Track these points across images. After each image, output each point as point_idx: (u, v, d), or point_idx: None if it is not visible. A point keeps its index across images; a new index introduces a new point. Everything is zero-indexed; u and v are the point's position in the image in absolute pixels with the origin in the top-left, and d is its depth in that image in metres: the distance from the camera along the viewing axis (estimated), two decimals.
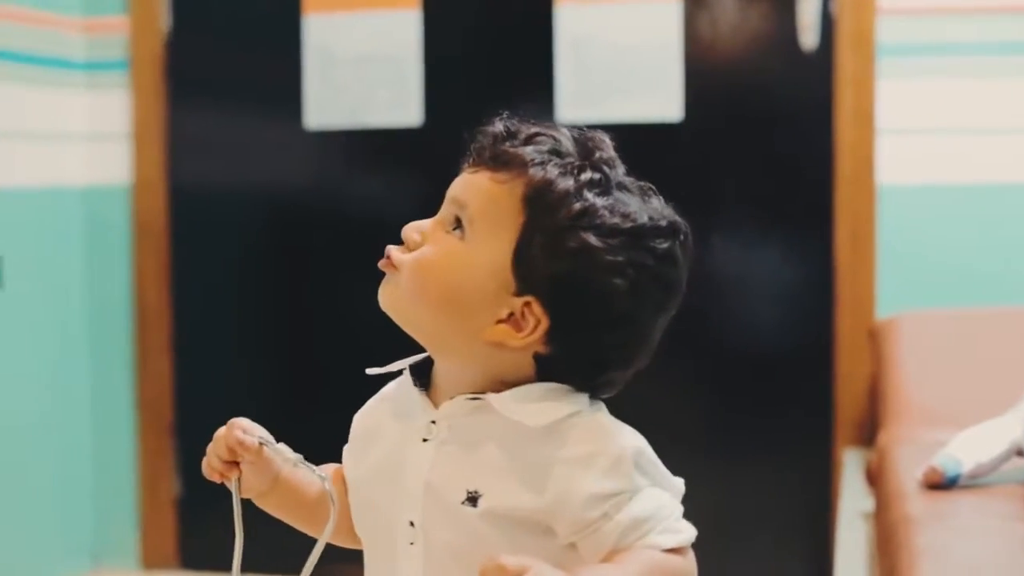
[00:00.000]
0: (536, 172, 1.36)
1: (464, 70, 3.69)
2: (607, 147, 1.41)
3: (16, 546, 3.51)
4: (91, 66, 3.78)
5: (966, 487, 2.40)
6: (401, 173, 3.69)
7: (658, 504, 1.33)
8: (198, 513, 3.76)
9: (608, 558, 1.32)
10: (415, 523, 1.39)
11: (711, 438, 3.60)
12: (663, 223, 1.38)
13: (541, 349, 1.37)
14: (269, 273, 3.87)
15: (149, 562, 3.82)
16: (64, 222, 3.72)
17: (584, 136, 1.41)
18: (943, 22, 3.43)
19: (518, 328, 1.36)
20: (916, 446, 2.67)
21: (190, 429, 3.80)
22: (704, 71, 3.54)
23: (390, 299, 1.40)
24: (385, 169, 3.72)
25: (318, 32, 3.70)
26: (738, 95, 3.56)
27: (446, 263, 1.37)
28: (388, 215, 3.72)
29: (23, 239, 3.55)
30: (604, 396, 1.42)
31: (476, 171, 1.40)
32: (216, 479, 1.47)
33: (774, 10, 3.50)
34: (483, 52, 3.69)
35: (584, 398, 1.38)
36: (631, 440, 1.35)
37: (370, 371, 1.46)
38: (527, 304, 1.35)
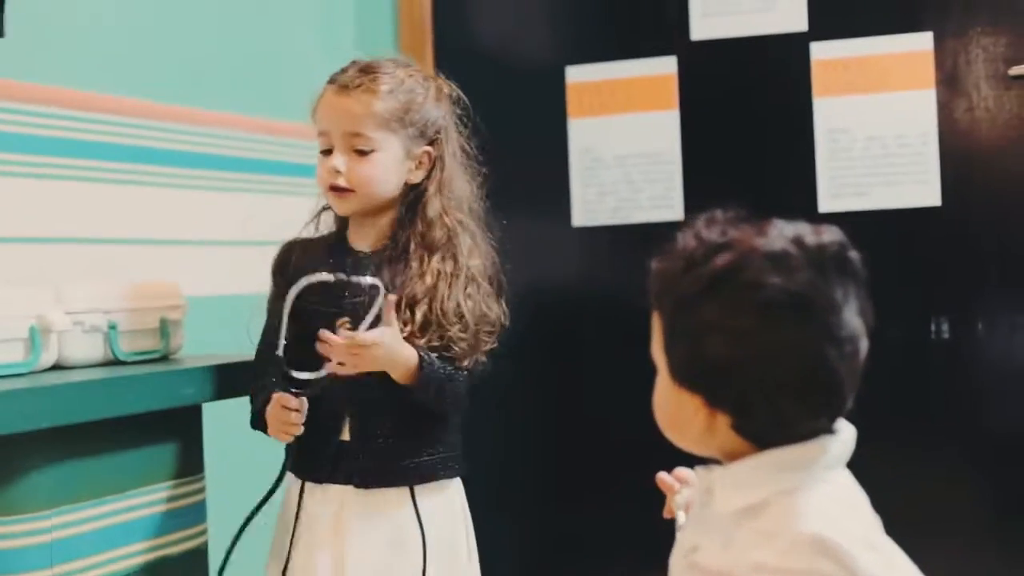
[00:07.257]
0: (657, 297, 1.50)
1: (724, 166, 3.73)
2: (713, 221, 1.48)
3: None
4: None
5: None
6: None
7: None
8: None
9: None
10: None
11: (984, 529, 3.51)
12: (743, 258, 1.40)
13: (731, 421, 1.44)
14: (538, 362, 3.93)
15: None
16: None
17: (702, 222, 1.49)
18: None
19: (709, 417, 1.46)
20: None
21: None
22: (962, 156, 3.53)
23: None
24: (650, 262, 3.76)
25: (582, 135, 3.84)
26: (997, 178, 3.52)
27: (657, 402, 1.52)
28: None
29: None
30: (831, 416, 1.45)
31: None
32: None
33: None
34: (742, 148, 3.72)
35: (793, 474, 1.42)
36: (814, 526, 1.37)
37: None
38: (694, 398, 1.45)
